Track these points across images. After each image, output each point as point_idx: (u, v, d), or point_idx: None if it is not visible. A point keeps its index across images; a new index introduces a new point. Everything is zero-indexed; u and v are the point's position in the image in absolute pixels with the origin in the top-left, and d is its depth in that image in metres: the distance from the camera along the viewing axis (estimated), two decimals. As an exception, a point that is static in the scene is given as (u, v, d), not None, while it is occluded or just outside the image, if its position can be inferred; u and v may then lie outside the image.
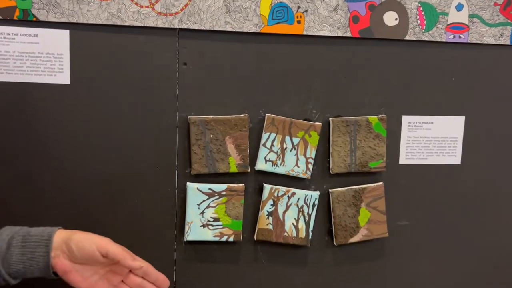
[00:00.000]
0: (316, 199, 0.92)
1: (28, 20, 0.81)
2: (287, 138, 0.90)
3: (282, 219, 0.91)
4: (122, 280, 0.76)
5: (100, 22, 0.82)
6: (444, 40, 0.93)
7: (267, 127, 0.89)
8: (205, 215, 0.89)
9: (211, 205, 0.89)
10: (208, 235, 0.89)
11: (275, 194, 0.90)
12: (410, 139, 0.95)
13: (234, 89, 0.89)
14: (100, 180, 0.87)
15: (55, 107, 0.84)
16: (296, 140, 0.90)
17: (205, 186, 0.88)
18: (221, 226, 0.89)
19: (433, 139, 0.96)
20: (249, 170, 0.89)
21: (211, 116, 0.87)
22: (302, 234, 0.92)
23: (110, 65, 0.84)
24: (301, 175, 0.91)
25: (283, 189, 0.90)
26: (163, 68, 0.86)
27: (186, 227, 0.89)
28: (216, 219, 0.89)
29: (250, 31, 0.87)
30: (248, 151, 0.89)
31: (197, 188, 0.88)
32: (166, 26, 0.84)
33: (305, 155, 0.90)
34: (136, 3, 0.83)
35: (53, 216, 0.85)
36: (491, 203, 1.00)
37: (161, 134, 0.87)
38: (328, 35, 0.89)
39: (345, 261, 0.96)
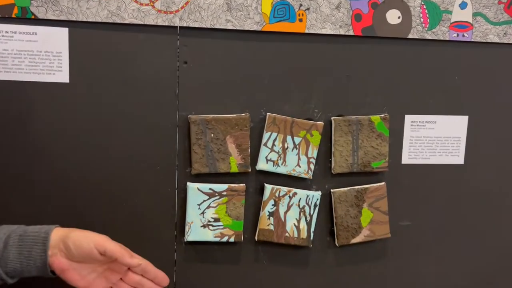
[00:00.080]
0: (317, 199, 0.91)
1: (26, 18, 0.80)
2: (289, 138, 0.89)
3: (283, 220, 0.91)
4: (120, 278, 0.75)
5: (99, 20, 0.82)
6: (447, 39, 0.92)
7: (268, 126, 0.88)
8: (205, 215, 0.88)
9: (211, 205, 0.88)
10: (208, 235, 0.89)
11: (276, 194, 0.90)
12: (413, 139, 0.95)
13: (235, 88, 0.88)
14: (99, 179, 0.86)
15: (54, 106, 0.84)
16: (297, 140, 0.89)
17: (205, 186, 0.88)
18: (221, 227, 0.89)
19: (436, 138, 0.96)
20: (250, 170, 0.89)
21: (212, 115, 0.87)
22: (304, 234, 0.91)
23: (110, 63, 0.84)
24: (303, 175, 0.91)
25: (284, 189, 0.90)
26: (163, 66, 0.86)
27: (187, 228, 0.88)
28: (216, 219, 0.89)
29: (251, 29, 0.86)
30: (249, 150, 0.88)
31: (198, 188, 0.87)
32: (166, 24, 0.84)
33: (306, 154, 0.90)
34: (136, 1, 0.82)
35: (52, 216, 0.85)
36: (494, 204, 1.00)
37: (161, 133, 0.87)
38: (330, 34, 0.89)
39: (347, 262, 0.96)
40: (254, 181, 0.91)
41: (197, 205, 0.88)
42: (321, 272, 0.95)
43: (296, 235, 0.91)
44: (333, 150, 0.92)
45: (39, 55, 0.82)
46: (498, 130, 0.98)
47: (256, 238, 0.91)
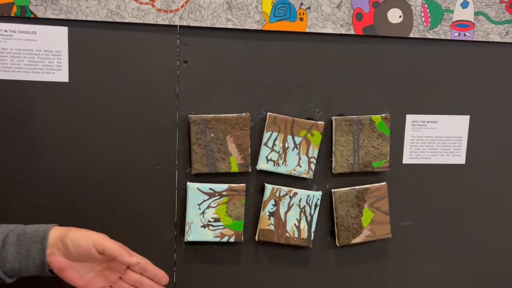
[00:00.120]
0: (318, 199, 0.91)
1: (25, 17, 0.80)
2: (289, 137, 0.89)
3: (283, 220, 0.90)
4: (120, 277, 0.75)
5: (99, 19, 0.82)
6: (449, 38, 0.92)
7: (268, 126, 0.88)
8: (205, 215, 0.88)
9: (211, 205, 0.88)
10: (208, 235, 0.89)
11: (277, 194, 0.89)
12: (414, 139, 0.95)
13: (235, 87, 0.88)
14: (99, 179, 0.86)
15: (54, 105, 0.83)
16: (298, 139, 0.89)
17: (205, 186, 0.87)
18: (221, 227, 0.89)
19: (438, 138, 0.96)
20: (250, 170, 0.89)
21: (212, 115, 0.87)
22: (304, 234, 0.91)
23: (109, 63, 0.84)
24: (303, 175, 0.90)
25: (284, 189, 0.90)
26: (163, 66, 0.85)
27: (186, 228, 0.88)
28: (216, 220, 0.88)
29: (252, 28, 0.86)
30: (249, 150, 0.88)
31: (198, 188, 0.87)
32: (166, 23, 0.84)
33: (307, 154, 0.90)
34: (135, 0, 0.82)
35: (51, 216, 0.85)
36: (496, 204, 1.00)
37: (161, 133, 0.87)
38: (331, 33, 0.88)
39: (347, 262, 0.96)
40: (255, 181, 0.91)
41: (197, 205, 0.88)
42: (321, 273, 0.95)
43: (296, 235, 0.91)
44: (333, 150, 0.91)
45: (38, 54, 0.81)
46: (500, 130, 0.98)
47: (256, 238, 0.91)
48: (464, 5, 0.91)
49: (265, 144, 0.89)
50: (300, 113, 0.90)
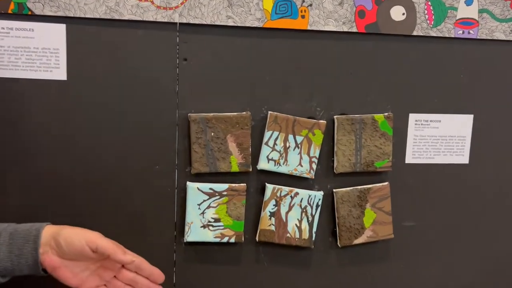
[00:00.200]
0: (319, 199, 0.90)
1: (23, 14, 0.80)
2: (290, 137, 0.88)
3: (284, 220, 0.90)
4: (114, 276, 0.74)
5: (97, 16, 0.81)
6: (452, 36, 0.92)
7: (269, 125, 0.87)
8: (205, 215, 0.87)
9: (211, 205, 0.87)
10: (208, 236, 0.88)
11: (278, 194, 0.89)
12: (417, 138, 0.94)
13: (235, 86, 0.88)
14: (97, 179, 0.86)
15: (51, 103, 0.83)
16: (299, 139, 0.88)
17: (205, 186, 0.87)
18: (222, 227, 0.88)
19: (441, 138, 0.95)
20: (251, 170, 0.88)
21: (212, 114, 0.86)
22: (305, 235, 0.91)
23: (108, 60, 0.84)
24: (305, 175, 0.90)
25: (286, 189, 0.89)
26: (163, 63, 0.85)
27: (186, 228, 0.87)
28: (217, 220, 0.88)
29: (253, 26, 0.85)
30: (250, 149, 0.88)
31: (198, 187, 0.87)
32: (165, 20, 0.83)
33: (308, 154, 0.89)
34: (134, -3, 0.81)
35: (50, 216, 0.84)
36: (499, 204, 0.99)
37: (161, 132, 0.86)
38: (333, 30, 0.88)
39: (349, 263, 0.96)
40: (255, 181, 0.90)
41: (197, 205, 0.87)
42: (323, 273, 0.95)
43: (297, 235, 0.91)
44: (335, 149, 0.91)
45: (36, 52, 0.81)
46: (504, 129, 0.97)
47: (257, 239, 0.90)
48: (468, 2, 0.91)
49: (266, 144, 0.88)
50: (301, 112, 0.90)
